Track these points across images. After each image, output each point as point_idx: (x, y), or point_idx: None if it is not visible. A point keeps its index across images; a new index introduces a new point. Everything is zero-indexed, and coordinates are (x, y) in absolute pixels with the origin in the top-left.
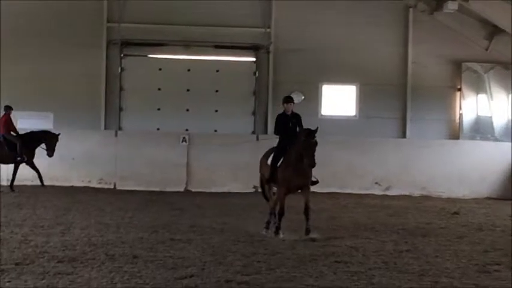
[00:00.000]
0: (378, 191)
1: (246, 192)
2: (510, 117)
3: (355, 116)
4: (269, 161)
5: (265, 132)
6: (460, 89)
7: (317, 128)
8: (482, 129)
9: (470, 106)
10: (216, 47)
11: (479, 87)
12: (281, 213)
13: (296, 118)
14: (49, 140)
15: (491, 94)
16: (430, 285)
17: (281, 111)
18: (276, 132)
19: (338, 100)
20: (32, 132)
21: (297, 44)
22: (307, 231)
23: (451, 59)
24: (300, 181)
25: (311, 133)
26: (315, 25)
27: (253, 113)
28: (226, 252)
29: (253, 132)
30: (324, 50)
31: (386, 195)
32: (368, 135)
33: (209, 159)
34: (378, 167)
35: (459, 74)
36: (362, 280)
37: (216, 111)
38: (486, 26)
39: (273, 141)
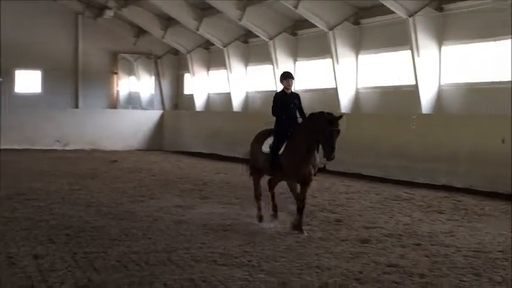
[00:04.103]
0: (59, 147)
1: None
2: (153, 92)
3: (40, 92)
4: (264, 148)
5: None
6: (117, 73)
7: (341, 115)
8: (133, 101)
9: (125, 85)
10: None
11: (130, 71)
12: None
13: (297, 98)
14: None
15: (138, 76)
16: (95, 213)
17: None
18: (275, 113)
19: (27, 81)
20: None
21: None
22: (299, 227)
23: (110, 51)
24: (308, 171)
25: (334, 120)
26: (5, 23)
27: None
28: None
29: None
30: (17, 43)
31: (66, 150)
32: (51, 106)
33: None
34: (59, 129)
35: (116, 62)
36: (45, 212)
37: None
38: (134, 28)
39: None
